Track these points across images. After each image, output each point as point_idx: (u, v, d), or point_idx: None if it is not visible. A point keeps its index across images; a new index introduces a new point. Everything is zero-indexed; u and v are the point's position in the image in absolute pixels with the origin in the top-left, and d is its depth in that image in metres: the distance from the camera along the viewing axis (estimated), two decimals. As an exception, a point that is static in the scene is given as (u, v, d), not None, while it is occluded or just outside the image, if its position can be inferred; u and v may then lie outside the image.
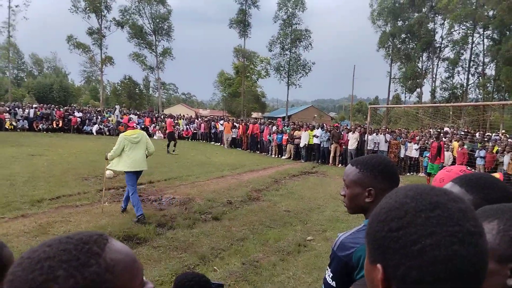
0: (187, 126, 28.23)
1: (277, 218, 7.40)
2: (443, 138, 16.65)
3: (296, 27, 43.78)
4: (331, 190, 10.29)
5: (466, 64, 43.33)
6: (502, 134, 21.03)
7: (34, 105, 30.49)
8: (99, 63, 43.13)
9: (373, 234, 0.69)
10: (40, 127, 25.98)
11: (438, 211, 0.64)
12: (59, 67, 76.61)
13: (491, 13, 38.96)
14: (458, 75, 45.38)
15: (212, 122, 27.10)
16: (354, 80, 38.84)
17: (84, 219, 6.60)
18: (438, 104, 23.59)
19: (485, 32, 41.38)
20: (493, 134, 21.08)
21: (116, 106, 40.81)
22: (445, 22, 43.43)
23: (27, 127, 25.85)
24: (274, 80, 45.89)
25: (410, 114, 29.80)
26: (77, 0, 40.82)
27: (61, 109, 28.89)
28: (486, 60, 42.28)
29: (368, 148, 15.64)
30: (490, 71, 42.60)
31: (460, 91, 44.36)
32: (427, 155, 13.87)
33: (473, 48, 42.44)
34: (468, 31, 41.87)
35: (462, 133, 19.50)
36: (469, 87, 43.56)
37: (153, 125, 29.49)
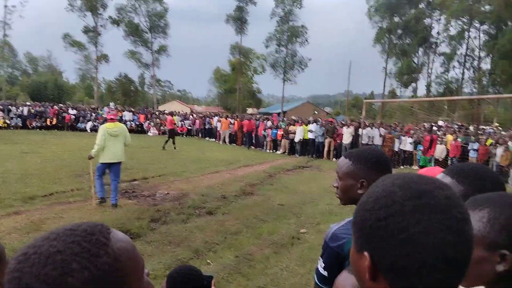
0: (182, 123, 28.15)
1: (271, 212, 7.41)
2: (437, 132, 16.73)
3: (293, 23, 43.72)
4: (325, 184, 10.30)
5: (462, 59, 43.48)
6: (495, 127, 21.14)
7: (28, 103, 30.33)
8: (94, 61, 42.94)
9: (360, 223, 0.69)
10: (34, 125, 25.86)
11: (425, 199, 0.64)
12: (54, 65, 76.21)
13: (487, 7, 39.06)
14: (454, 70, 45.55)
15: (207, 118, 27.05)
16: (350, 75, 38.98)
17: (77, 215, 6.58)
18: (433, 98, 23.69)
19: (481, 27, 41.49)
20: (488, 127, 21.19)
21: (110, 104, 40.75)
22: (442, 17, 43.52)
23: (21, 125, 25.71)
24: (269, 76, 45.88)
25: (405, 108, 29.87)
26: (73, -1, 40.65)
27: (55, 106, 28.76)
28: (482, 54, 42.44)
29: (363, 142, 15.67)
30: (486, 65, 42.82)
31: (455, 86, 44.51)
32: (421, 148, 13.91)
33: (469, 43, 42.57)
34: (465, 26, 41.96)
35: (456, 126, 19.57)
36: (464, 81, 43.72)
37: (148, 121, 29.41)
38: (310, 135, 18.04)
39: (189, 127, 28.04)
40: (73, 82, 64.62)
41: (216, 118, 26.21)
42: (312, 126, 18.23)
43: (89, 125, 26.72)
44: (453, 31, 43.53)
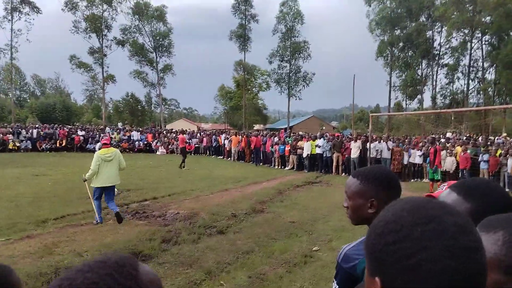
0: (189, 141, 28.29)
1: (282, 229, 7.38)
2: (447, 144, 16.62)
3: (295, 39, 44.10)
4: (336, 200, 10.25)
5: (465, 70, 43.41)
6: (504, 137, 20.97)
7: (37, 126, 30.70)
8: (101, 82, 43.51)
9: (371, 247, 0.70)
10: (44, 147, 26.11)
11: (433, 224, 0.64)
12: (62, 87, 77.31)
13: (488, 18, 39.16)
14: (458, 81, 45.46)
15: (214, 136, 27.17)
16: (355, 89, 38.94)
17: (89, 237, 6.60)
18: (439, 110, 23.64)
19: (483, 38, 41.54)
20: (496, 137, 21.03)
21: (118, 124, 41.11)
22: (443, 29, 43.65)
23: (31, 147, 25.99)
24: (275, 92, 45.92)
25: (411, 120, 29.81)
26: (78, 21, 41.43)
27: (64, 128, 29.07)
28: (486, 65, 42.39)
29: (371, 156, 15.62)
30: (490, 75, 42.69)
31: (461, 97, 44.38)
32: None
33: (472, 54, 42.58)
34: (466, 38, 42.04)
35: (465, 138, 19.46)
36: (469, 92, 43.59)
37: (156, 140, 29.59)
38: (318, 150, 18.02)
39: (197, 145, 28.14)
40: (81, 103, 65.42)
41: (223, 136, 26.30)
42: (319, 141, 18.23)
43: (98, 145, 26.74)
44: (455, 43, 43.63)
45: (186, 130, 31.90)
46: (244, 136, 23.42)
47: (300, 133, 24.46)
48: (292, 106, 47.25)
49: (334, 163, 17.51)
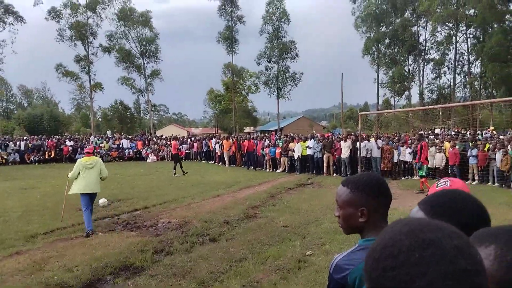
0: (180, 147, 28.16)
1: (275, 234, 7.34)
2: (436, 140, 16.74)
3: (282, 39, 44.19)
4: (327, 201, 10.25)
5: (451, 64, 43.86)
6: (490, 131, 21.18)
7: (25, 137, 30.33)
8: (88, 90, 43.14)
9: (369, 272, 0.68)
10: (32, 159, 25.81)
11: (431, 249, 0.62)
12: (49, 97, 76.50)
13: (472, 11, 39.61)
14: (445, 76, 45.91)
15: (204, 141, 27.08)
16: (343, 87, 39.15)
17: (80, 251, 6.51)
18: (427, 107, 23.75)
19: (468, 31, 42.00)
20: (484, 131, 21.23)
21: (107, 132, 40.79)
22: (428, 24, 44.04)
23: (19, 160, 25.66)
24: (264, 94, 45.93)
25: (400, 117, 30.01)
26: (63, 29, 41.02)
27: (52, 139, 28.75)
28: (471, 58, 42.85)
29: (361, 155, 15.66)
30: (476, 69, 43.17)
31: (448, 91, 44.82)
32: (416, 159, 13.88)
33: (458, 48, 43.02)
34: (451, 32, 42.47)
35: (453, 133, 19.62)
36: (456, 86, 44.03)
37: (146, 148, 29.39)
38: (308, 151, 18.04)
39: (187, 151, 28.02)
40: (68, 112, 64.78)
41: (214, 140, 26.22)
42: (310, 142, 18.25)
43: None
44: (440, 37, 44.08)
45: (178, 136, 31.80)
46: (235, 140, 23.34)
47: (291, 134, 24.46)
48: (281, 107, 47.57)
49: (325, 164, 17.54)
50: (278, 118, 48.20)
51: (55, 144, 27.26)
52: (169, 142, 29.64)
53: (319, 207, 9.83)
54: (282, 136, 22.99)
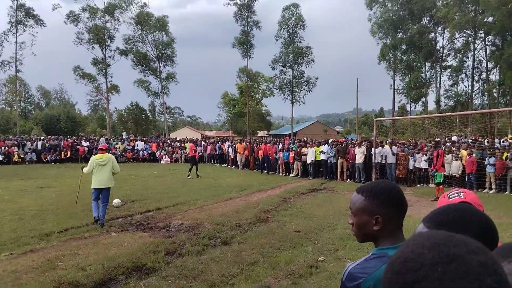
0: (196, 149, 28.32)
1: (287, 239, 7.29)
2: (452, 147, 16.48)
3: (298, 44, 44.16)
4: (341, 207, 10.16)
5: (469, 71, 43.23)
6: (508, 139, 20.76)
7: (42, 137, 30.85)
8: (105, 92, 43.73)
9: (388, 285, 0.65)
10: (48, 159, 26.21)
11: (455, 264, 0.59)
12: (66, 98, 77.81)
13: (490, 19, 39.01)
14: (462, 83, 45.28)
15: (218, 144, 27.16)
16: (358, 93, 38.95)
17: (93, 251, 6.55)
18: (444, 114, 23.44)
19: (486, 38, 41.38)
20: (501, 140, 20.82)
21: (122, 133, 41.25)
22: (446, 31, 43.53)
23: (35, 159, 26.09)
24: (278, 98, 45.86)
25: (416, 124, 29.65)
26: (81, 33, 41.71)
27: (68, 139, 29.18)
28: (490, 65, 42.18)
29: (376, 161, 15.50)
30: (494, 76, 42.46)
31: (465, 99, 44.16)
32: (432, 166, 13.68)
33: (476, 55, 42.39)
34: (469, 39, 41.89)
35: (470, 141, 19.29)
36: (474, 93, 43.37)
37: (160, 150, 29.62)
38: (322, 156, 17.94)
39: (201, 154, 28.15)
40: (85, 113, 65.70)
41: (227, 144, 26.28)
42: (324, 147, 18.15)
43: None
44: (458, 44, 43.51)
45: (195, 138, 31.99)
46: (248, 143, 23.34)
47: (304, 139, 24.36)
48: (295, 111, 47.37)
49: (339, 169, 17.41)
50: (292, 122, 48.07)
51: (70, 145, 27.66)
52: (183, 145, 29.85)
53: (332, 213, 9.74)
54: (296, 141, 22.91)
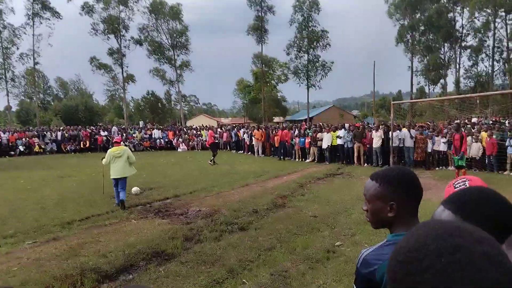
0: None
1: (303, 224, 7.30)
2: (472, 129, 16.15)
3: (313, 28, 43.50)
4: (358, 192, 10.10)
5: (489, 51, 42.06)
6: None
7: (62, 127, 31.41)
8: (121, 82, 44.12)
9: (392, 274, 0.64)
10: (68, 149, 26.71)
11: (459, 255, 0.58)
12: (83, 88, 78.81)
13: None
14: (483, 63, 44.13)
15: (234, 131, 27.21)
16: (375, 76, 38.39)
17: (113, 238, 6.69)
18: (464, 95, 22.92)
19: (507, 17, 40.06)
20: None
21: (140, 122, 41.68)
22: (465, 10, 42.31)
23: (56, 149, 26.62)
24: (294, 83, 45.43)
25: (435, 106, 29.11)
26: (96, 23, 41.97)
27: (87, 129, 29.66)
28: (511, 45, 40.92)
29: (394, 145, 15.30)
30: (515, 55, 41.23)
31: (486, 79, 43.07)
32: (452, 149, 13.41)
33: (496, 34, 41.15)
34: (489, 17, 40.63)
35: (490, 122, 18.85)
36: (494, 73, 42.24)
37: (176, 138, 29.87)
38: (339, 141, 17.80)
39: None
40: (102, 103, 66.51)
41: (242, 130, 26.31)
42: (340, 132, 17.99)
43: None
44: (478, 23, 42.29)
45: (215, 126, 32.10)
46: (264, 129, 23.30)
47: (320, 124, 24.18)
48: (311, 96, 46.91)
49: (356, 154, 17.28)
50: (308, 107, 47.66)
51: (89, 134, 28.11)
52: (199, 132, 30.03)
53: (349, 198, 9.70)
54: (311, 126, 22.75)
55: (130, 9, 43.18)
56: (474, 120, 21.49)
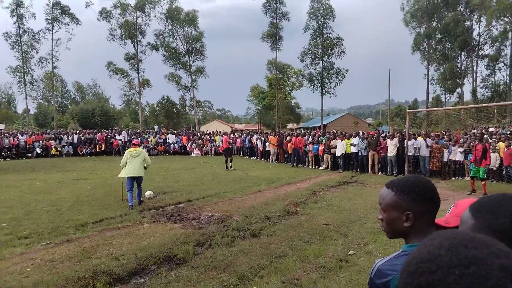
0: (222, 142, 28.55)
1: (316, 232, 7.24)
2: (489, 139, 15.86)
3: (328, 36, 43.43)
4: (372, 200, 9.99)
5: (507, 60, 41.38)
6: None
7: (78, 131, 31.88)
8: (137, 87, 44.64)
9: (403, 285, 0.62)
10: (84, 152, 27.06)
11: (474, 267, 0.55)
12: (100, 93, 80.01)
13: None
14: (500, 72, 43.42)
15: (247, 137, 27.24)
16: (390, 84, 38.06)
17: (126, 241, 6.72)
18: (481, 105, 22.58)
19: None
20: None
21: (155, 127, 42.05)
22: (482, 18, 41.79)
23: (72, 152, 27.00)
24: (308, 90, 45.31)
25: (451, 115, 28.73)
26: (113, 29, 42.65)
27: (103, 133, 30.03)
28: (529, 54, 40.27)
29: (409, 154, 15.12)
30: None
31: (503, 88, 42.35)
32: (472, 158, 13.20)
33: (514, 43, 40.53)
34: (507, 26, 40.06)
35: (508, 132, 18.50)
36: (512, 83, 41.55)
37: (190, 143, 30.02)
38: (353, 149, 17.66)
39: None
40: (119, 107, 67.38)
41: (255, 136, 26.32)
42: (354, 140, 17.86)
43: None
44: (495, 32, 41.72)
45: (229, 131, 32.22)
46: (277, 136, 23.27)
47: (334, 131, 24.05)
48: (325, 104, 46.78)
49: (370, 162, 17.11)
50: (322, 114, 47.48)
51: (105, 138, 28.46)
52: (213, 138, 30.14)
53: (362, 206, 9.60)
54: (325, 133, 22.64)
55: (147, 15, 43.86)
56: (491, 129, 21.12)
